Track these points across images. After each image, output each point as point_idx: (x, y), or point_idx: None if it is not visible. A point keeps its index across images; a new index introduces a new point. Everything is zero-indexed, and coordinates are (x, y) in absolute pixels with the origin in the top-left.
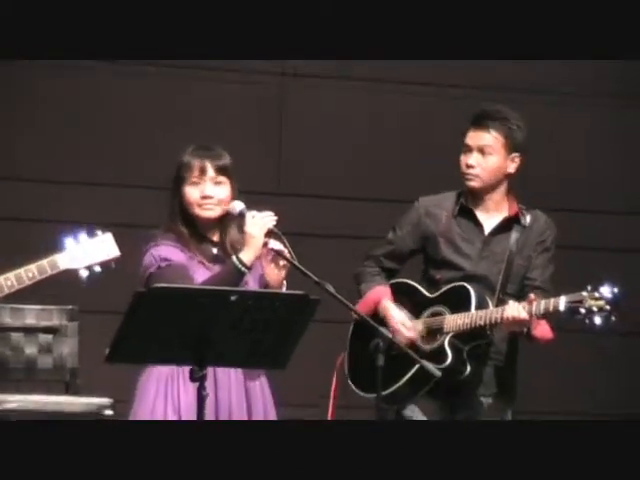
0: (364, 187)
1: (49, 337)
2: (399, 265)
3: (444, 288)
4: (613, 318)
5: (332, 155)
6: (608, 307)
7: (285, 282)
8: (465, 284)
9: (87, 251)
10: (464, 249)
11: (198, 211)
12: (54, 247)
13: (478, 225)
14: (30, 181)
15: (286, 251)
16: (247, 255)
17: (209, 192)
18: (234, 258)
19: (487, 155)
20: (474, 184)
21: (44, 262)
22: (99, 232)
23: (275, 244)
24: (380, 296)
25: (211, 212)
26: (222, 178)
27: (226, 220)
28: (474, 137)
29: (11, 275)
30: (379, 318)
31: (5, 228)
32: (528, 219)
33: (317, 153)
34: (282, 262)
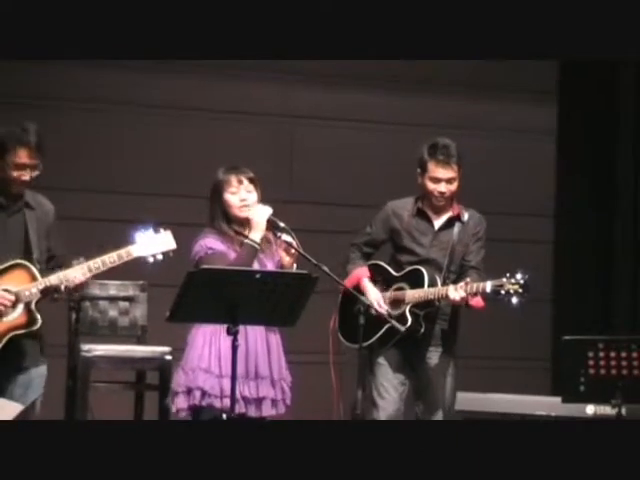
0: (352, 196)
1: (126, 304)
2: (374, 250)
3: (406, 269)
4: (524, 299)
5: (329, 173)
6: (521, 290)
7: (295, 265)
8: (421, 268)
9: (152, 243)
10: (419, 239)
11: (237, 212)
12: (129, 241)
13: (430, 222)
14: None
15: (294, 243)
16: (255, 235)
17: (245, 197)
18: (247, 240)
19: (453, 183)
20: (443, 204)
21: (122, 251)
22: (161, 229)
23: (287, 238)
24: (361, 275)
25: (246, 213)
26: (252, 187)
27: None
28: (443, 172)
29: (98, 260)
30: (360, 290)
31: (90, 227)
32: (466, 216)
33: (318, 172)
34: (292, 251)
